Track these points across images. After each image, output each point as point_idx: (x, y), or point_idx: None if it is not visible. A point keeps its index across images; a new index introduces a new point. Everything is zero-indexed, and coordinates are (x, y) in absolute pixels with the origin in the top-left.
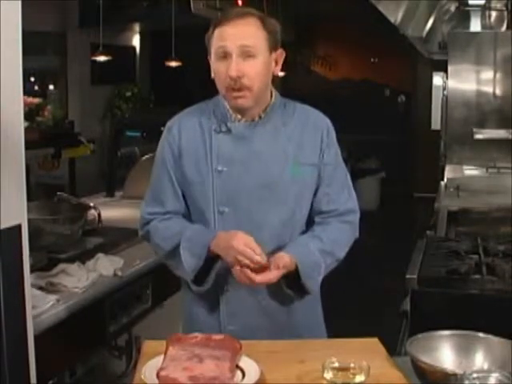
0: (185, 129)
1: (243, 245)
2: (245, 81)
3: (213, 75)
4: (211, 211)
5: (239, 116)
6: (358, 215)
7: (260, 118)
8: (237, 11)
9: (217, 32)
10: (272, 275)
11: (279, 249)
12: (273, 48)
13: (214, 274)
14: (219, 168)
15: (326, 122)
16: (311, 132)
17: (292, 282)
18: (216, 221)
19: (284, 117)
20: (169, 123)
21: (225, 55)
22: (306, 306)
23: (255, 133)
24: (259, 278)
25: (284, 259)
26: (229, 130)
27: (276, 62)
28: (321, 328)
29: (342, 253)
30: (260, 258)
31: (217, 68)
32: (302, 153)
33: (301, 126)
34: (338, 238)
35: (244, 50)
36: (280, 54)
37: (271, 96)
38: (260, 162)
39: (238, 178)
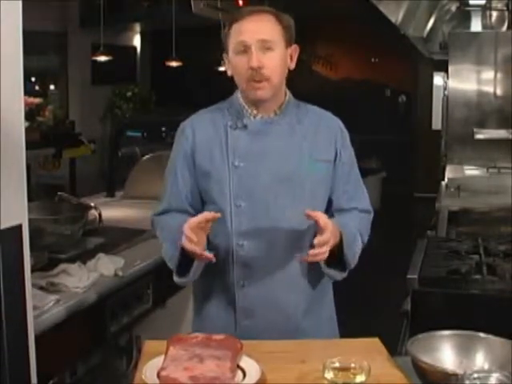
0: (198, 127)
1: (187, 226)
2: (265, 72)
3: (229, 72)
4: (228, 205)
5: (255, 111)
6: (372, 215)
7: (275, 114)
8: (252, 8)
9: (234, 28)
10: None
11: (296, 245)
12: (288, 43)
13: (197, 267)
14: (236, 163)
15: (338, 122)
16: (325, 131)
17: (329, 261)
18: (233, 215)
19: (298, 115)
20: (182, 124)
21: (244, 49)
22: (321, 304)
23: (271, 129)
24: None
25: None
26: (245, 126)
27: (291, 57)
28: (334, 327)
29: (366, 237)
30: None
31: (236, 62)
32: (317, 150)
33: (314, 125)
34: (361, 223)
35: (262, 43)
36: (294, 50)
37: (285, 95)
38: (276, 157)
39: (254, 173)
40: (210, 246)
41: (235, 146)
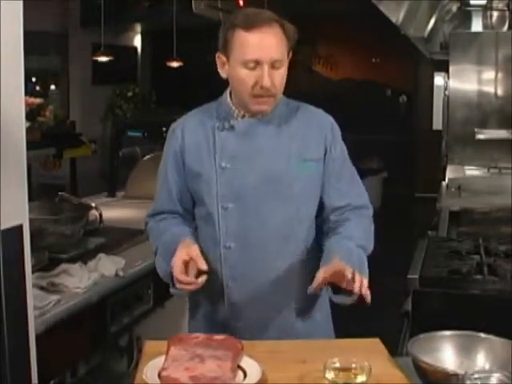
0: (188, 128)
1: (180, 261)
2: (272, 89)
3: (224, 74)
4: (215, 207)
5: (242, 112)
6: (371, 211)
7: (263, 115)
8: (259, 16)
9: (242, 37)
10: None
11: (285, 246)
12: (289, 53)
13: None
14: (223, 165)
15: (329, 119)
16: (315, 129)
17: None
18: (220, 216)
19: (287, 115)
20: (172, 125)
21: (255, 66)
22: (314, 306)
23: (258, 130)
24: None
25: (335, 264)
26: (232, 127)
27: None
28: (329, 329)
29: (371, 245)
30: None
31: (243, 75)
32: (306, 149)
33: (304, 124)
34: (363, 231)
35: (274, 63)
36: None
37: None
38: (263, 158)
39: (242, 175)
40: (200, 247)
41: (222, 148)
